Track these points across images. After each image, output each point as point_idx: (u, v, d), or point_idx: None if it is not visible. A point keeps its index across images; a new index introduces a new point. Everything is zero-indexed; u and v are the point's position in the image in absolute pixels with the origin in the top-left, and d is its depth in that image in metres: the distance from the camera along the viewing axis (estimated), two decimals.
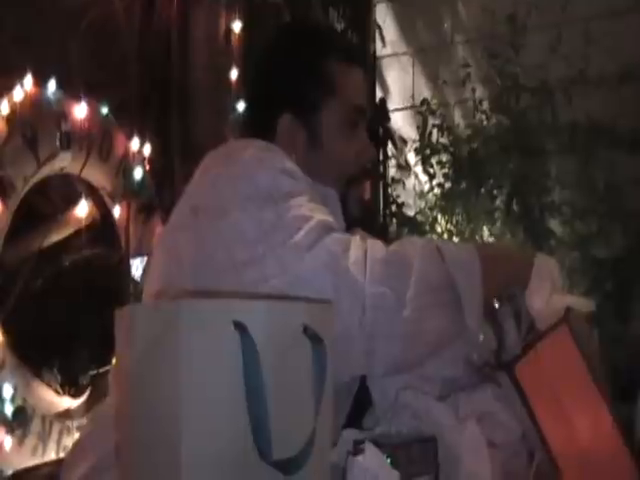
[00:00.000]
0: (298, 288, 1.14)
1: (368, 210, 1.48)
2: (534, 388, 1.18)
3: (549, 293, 1.24)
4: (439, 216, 3.88)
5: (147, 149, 3.08)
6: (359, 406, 1.32)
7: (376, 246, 1.20)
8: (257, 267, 1.16)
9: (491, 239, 3.61)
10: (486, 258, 1.20)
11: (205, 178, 1.30)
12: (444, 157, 3.88)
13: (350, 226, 1.40)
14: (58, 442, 2.61)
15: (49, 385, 2.77)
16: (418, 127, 4.03)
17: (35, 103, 2.66)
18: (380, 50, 4.44)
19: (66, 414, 2.72)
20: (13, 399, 2.48)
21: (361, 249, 1.18)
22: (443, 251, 1.19)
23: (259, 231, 1.18)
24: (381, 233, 3.86)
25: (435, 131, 3.94)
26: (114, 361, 1.28)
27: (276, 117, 1.38)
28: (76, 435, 2.60)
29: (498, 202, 3.64)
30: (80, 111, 2.79)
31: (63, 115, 2.75)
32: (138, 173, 3.03)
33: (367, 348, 1.15)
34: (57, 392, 2.79)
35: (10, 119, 2.56)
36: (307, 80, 1.38)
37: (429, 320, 1.17)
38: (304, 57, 1.40)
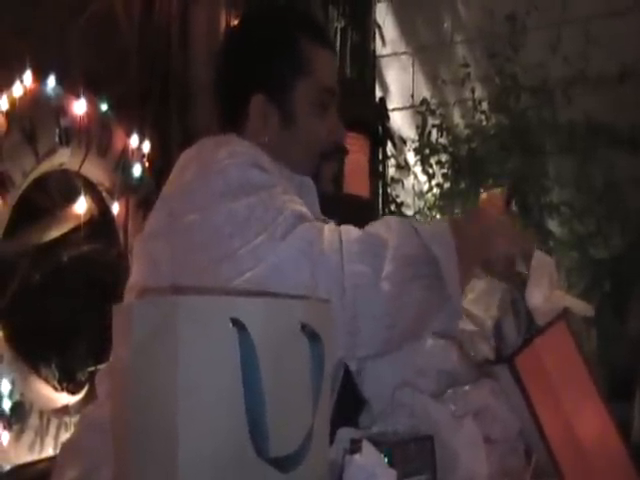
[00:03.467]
0: (274, 277, 1.13)
1: (339, 189, 1.49)
2: (533, 381, 1.19)
3: (548, 289, 1.25)
4: (438, 216, 3.88)
5: (146, 145, 3.08)
6: (355, 404, 1.32)
7: (350, 229, 1.20)
8: (233, 262, 1.16)
9: None
10: (458, 234, 1.19)
11: (179, 182, 1.29)
12: (443, 157, 3.88)
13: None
14: (56, 438, 2.60)
15: (47, 381, 2.77)
16: (417, 127, 4.03)
17: (34, 98, 2.66)
18: (380, 49, 4.45)
19: (64, 410, 2.72)
20: (11, 394, 2.47)
21: (336, 232, 1.18)
22: (416, 226, 1.19)
23: (233, 226, 1.18)
24: None
25: (434, 131, 3.94)
26: (110, 358, 1.29)
27: (248, 98, 1.38)
28: None
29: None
30: (79, 107, 2.79)
31: (62, 111, 2.74)
32: (137, 169, 3.03)
33: (350, 329, 1.14)
34: (55, 388, 2.78)
35: (9, 114, 2.55)
36: (281, 59, 1.38)
37: (409, 294, 1.16)
38: (277, 37, 1.40)
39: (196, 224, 1.21)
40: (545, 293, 1.25)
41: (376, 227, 1.20)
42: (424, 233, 1.17)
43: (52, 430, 2.61)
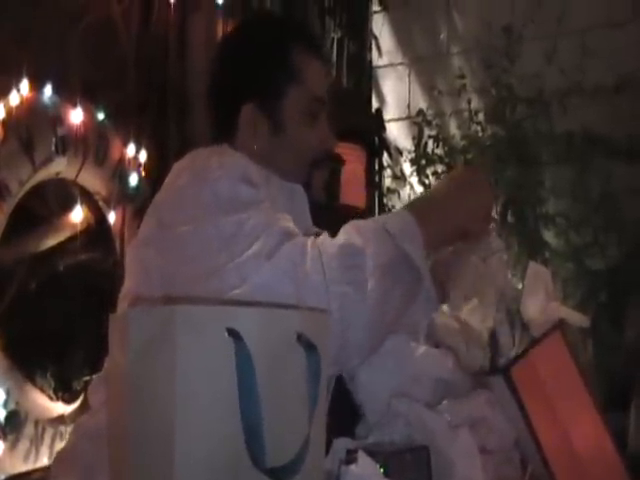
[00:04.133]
0: (259, 297, 1.14)
1: (334, 197, 1.48)
2: (529, 392, 1.19)
3: (544, 300, 1.26)
4: None
5: (143, 154, 3.08)
6: (351, 415, 1.32)
7: (327, 241, 1.20)
8: (220, 277, 1.17)
9: None
10: (424, 220, 1.21)
11: (170, 191, 1.31)
12: (439, 168, 3.88)
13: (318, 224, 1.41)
14: (51, 448, 2.60)
15: (42, 390, 2.76)
16: (414, 138, 4.03)
17: (31, 107, 2.67)
18: (376, 60, 4.46)
19: (59, 420, 2.72)
20: (6, 403, 2.47)
21: (316, 249, 1.18)
22: (389, 228, 1.20)
23: (221, 241, 1.19)
24: None
25: (431, 142, 3.95)
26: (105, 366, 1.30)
27: (239, 107, 1.39)
28: None
29: (493, 213, 3.63)
30: (76, 116, 2.79)
31: (59, 119, 2.75)
32: (134, 178, 3.03)
33: (341, 343, 1.15)
34: (50, 397, 2.78)
35: (6, 123, 2.56)
36: (273, 68, 1.39)
37: (390, 302, 1.18)
38: (269, 46, 1.41)
39: (186, 236, 1.22)
40: (541, 304, 1.26)
41: (349, 234, 1.20)
42: (394, 230, 1.19)
43: (47, 440, 2.61)
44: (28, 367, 2.72)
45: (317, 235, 1.34)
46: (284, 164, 1.39)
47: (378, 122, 4.23)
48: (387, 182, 4.26)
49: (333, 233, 1.26)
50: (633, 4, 3.60)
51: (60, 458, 1.36)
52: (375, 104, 4.41)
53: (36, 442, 2.57)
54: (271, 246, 1.17)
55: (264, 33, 1.44)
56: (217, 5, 3.42)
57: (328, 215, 1.44)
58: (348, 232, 1.21)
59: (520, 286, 1.36)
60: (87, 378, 2.76)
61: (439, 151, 3.92)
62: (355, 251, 1.17)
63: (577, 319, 1.30)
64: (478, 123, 3.81)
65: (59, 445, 2.60)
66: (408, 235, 1.18)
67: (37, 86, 2.68)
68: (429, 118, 4.01)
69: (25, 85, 2.64)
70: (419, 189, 4.02)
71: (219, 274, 1.17)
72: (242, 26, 1.58)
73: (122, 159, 3.00)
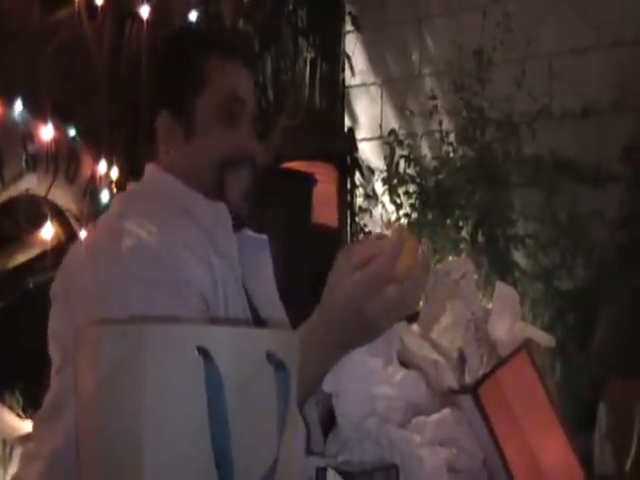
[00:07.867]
0: None
1: (252, 204, 1.43)
2: (496, 410, 1.20)
3: (511, 320, 1.27)
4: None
5: (114, 171, 3.07)
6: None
7: None
8: None
9: None
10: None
11: (84, 260, 1.34)
12: (411, 188, 3.91)
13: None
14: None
15: (11, 409, 2.73)
16: (385, 157, 4.06)
17: (1, 123, 2.65)
18: (349, 80, 4.49)
19: (28, 438, 2.68)
20: None
21: None
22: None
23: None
24: None
25: (402, 162, 3.98)
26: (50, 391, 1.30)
27: (155, 117, 1.40)
28: None
29: (464, 233, 3.67)
30: (47, 132, 2.78)
31: (29, 136, 2.73)
32: (105, 195, 3.02)
33: None
34: (19, 416, 2.75)
35: None
36: (181, 75, 1.39)
37: None
38: (179, 55, 1.43)
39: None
40: (508, 324, 1.27)
41: None
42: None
43: (16, 459, 2.58)
44: None
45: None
46: (195, 169, 1.37)
47: (350, 141, 4.26)
48: (359, 201, 4.29)
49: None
50: (596, 32, 3.66)
51: None
52: (347, 123, 4.44)
53: (4, 461, 2.54)
54: None
55: (176, 45, 1.46)
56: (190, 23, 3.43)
57: (301, 234, 1.44)
58: None
59: (490, 306, 1.38)
60: None
61: (411, 171, 3.95)
62: None
63: (543, 339, 1.32)
64: (449, 144, 3.84)
65: None
66: None
67: (7, 102, 2.67)
68: (401, 138, 4.04)
69: None
70: (391, 208, 4.04)
71: None
72: (163, 40, 1.60)
73: (93, 176, 2.99)
